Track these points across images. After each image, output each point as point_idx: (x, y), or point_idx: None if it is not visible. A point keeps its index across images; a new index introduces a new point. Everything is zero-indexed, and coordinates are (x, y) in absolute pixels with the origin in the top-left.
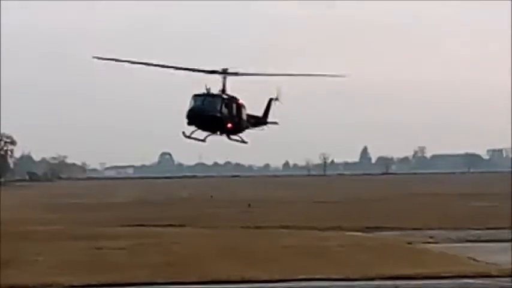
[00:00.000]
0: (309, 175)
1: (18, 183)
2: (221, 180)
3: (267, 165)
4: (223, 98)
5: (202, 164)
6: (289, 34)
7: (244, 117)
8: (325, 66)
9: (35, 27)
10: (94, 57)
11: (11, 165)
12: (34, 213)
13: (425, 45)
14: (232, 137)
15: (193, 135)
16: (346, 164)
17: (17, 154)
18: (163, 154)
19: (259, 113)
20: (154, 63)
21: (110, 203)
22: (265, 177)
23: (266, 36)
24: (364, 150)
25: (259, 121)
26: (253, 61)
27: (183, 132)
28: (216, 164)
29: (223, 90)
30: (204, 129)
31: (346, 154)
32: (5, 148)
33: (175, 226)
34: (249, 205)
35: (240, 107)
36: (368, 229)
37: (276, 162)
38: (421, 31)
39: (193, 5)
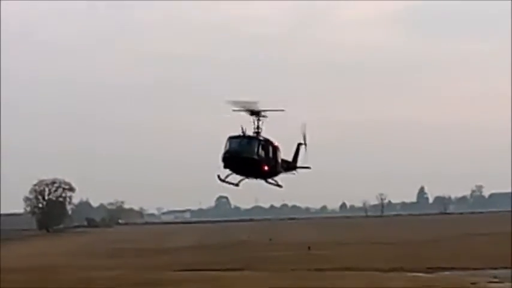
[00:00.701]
0: (366, 216)
1: (76, 230)
2: (278, 223)
3: (324, 207)
4: (260, 140)
5: (259, 207)
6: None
7: (280, 160)
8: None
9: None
10: (227, 101)
11: (69, 212)
12: (94, 259)
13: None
14: (269, 180)
15: (227, 179)
16: (403, 204)
17: (75, 200)
18: (219, 198)
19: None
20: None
21: (169, 247)
22: (322, 219)
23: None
24: (421, 190)
25: (290, 166)
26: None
27: (218, 176)
28: (272, 206)
29: (258, 132)
30: (240, 173)
31: (403, 194)
32: (63, 195)
33: (235, 270)
34: (309, 247)
35: (275, 149)
36: (430, 269)
37: (333, 204)
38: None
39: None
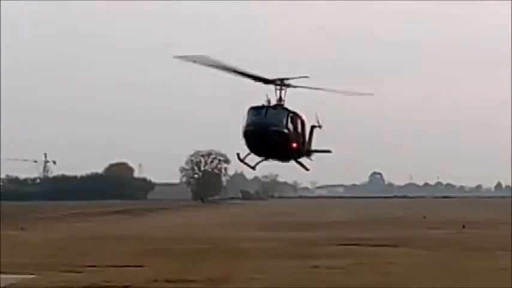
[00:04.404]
0: None
1: (231, 201)
2: (432, 201)
3: (479, 186)
4: (289, 111)
5: (413, 184)
6: None
7: (307, 138)
8: None
9: None
10: (175, 56)
11: (224, 183)
12: (247, 231)
13: None
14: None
15: (246, 159)
16: None
17: (230, 172)
18: (373, 174)
19: None
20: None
21: (323, 221)
22: (477, 198)
23: None
24: None
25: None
26: None
27: (238, 155)
28: (426, 184)
29: (280, 104)
30: (262, 151)
31: None
32: (219, 166)
33: (389, 246)
34: (464, 226)
35: (303, 124)
36: None
37: (488, 183)
38: None
39: None
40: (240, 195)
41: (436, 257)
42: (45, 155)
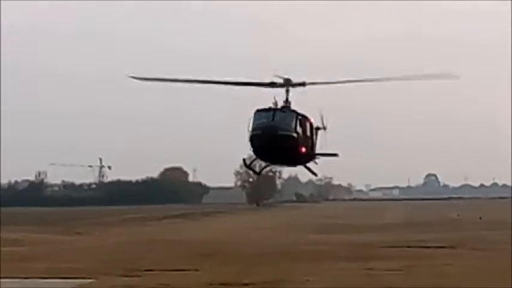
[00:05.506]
0: None
1: (285, 204)
2: (488, 202)
3: None
4: (298, 114)
5: (468, 186)
6: None
7: (316, 141)
8: None
9: None
10: (130, 76)
11: (279, 186)
12: (302, 233)
13: None
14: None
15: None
16: None
17: (285, 175)
18: (428, 175)
19: None
20: (202, 79)
21: (378, 224)
22: None
23: None
24: None
25: None
26: None
27: (244, 160)
28: (482, 185)
29: (287, 106)
30: (271, 156)
31: None
32: (273, 169)
33: (445, 248)
34: None
35: (312, 127)
36: None
37: None
38: None
39: None
40: (294, 198)
41: (493, 258)
42: (101, 160)
